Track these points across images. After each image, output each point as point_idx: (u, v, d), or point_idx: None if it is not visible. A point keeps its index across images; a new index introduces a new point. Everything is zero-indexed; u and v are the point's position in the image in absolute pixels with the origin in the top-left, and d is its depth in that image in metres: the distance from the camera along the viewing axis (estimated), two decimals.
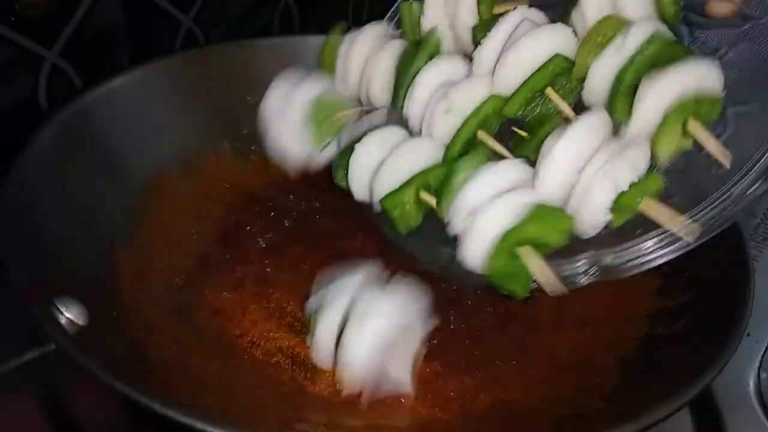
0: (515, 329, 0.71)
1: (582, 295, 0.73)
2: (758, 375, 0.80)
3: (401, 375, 0.55)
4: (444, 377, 0.65)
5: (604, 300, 0.72)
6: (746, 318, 0.59)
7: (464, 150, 0.54)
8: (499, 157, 0.52)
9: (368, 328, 0.50)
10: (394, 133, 0.56)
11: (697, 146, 0.50)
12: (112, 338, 0.56)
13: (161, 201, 0.77)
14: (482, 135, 0.54)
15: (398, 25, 0.67)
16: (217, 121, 0.86)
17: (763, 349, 0.83)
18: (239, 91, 0.87)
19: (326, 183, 0.64)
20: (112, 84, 0.77)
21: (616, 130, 0.50)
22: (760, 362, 0.81)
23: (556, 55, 0.52)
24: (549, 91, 0.51)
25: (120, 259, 0.68)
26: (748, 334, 0.84)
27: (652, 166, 0.50)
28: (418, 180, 0.54)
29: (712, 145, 0.49)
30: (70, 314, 0.53)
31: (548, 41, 0.52)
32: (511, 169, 0.49)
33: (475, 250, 0.48)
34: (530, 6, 0.56)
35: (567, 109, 0.52)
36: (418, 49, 0.59)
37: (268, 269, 0.76)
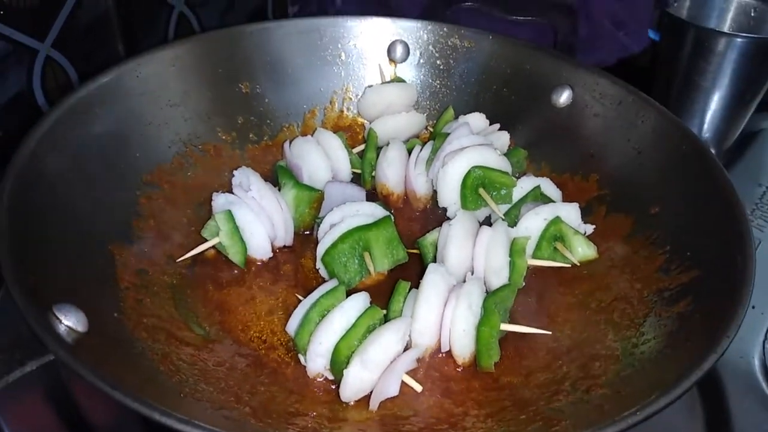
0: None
1: (581, 279, 0.74)
2: (763, 347, 0.79)
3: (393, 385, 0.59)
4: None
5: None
6: (748, 297, 0.59)
7: None
8: None
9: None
10: None
11: None
12: (110, 345, 0.56)
13: (159, 195, 0.77)
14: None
15: None
16: (213, 111, 0.85)
17: None
18: (233, 80, 0.87)
19: None
20: (105, 79, 0.75)
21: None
22: (766, 334, 0.81)
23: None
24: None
25: (119, 258, 0.67)
26: (753, 307, 0.83)
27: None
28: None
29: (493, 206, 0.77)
30: (69, 322, 0.53)
31: None
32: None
33: None
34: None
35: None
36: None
37: (271, 262, 0.76)
